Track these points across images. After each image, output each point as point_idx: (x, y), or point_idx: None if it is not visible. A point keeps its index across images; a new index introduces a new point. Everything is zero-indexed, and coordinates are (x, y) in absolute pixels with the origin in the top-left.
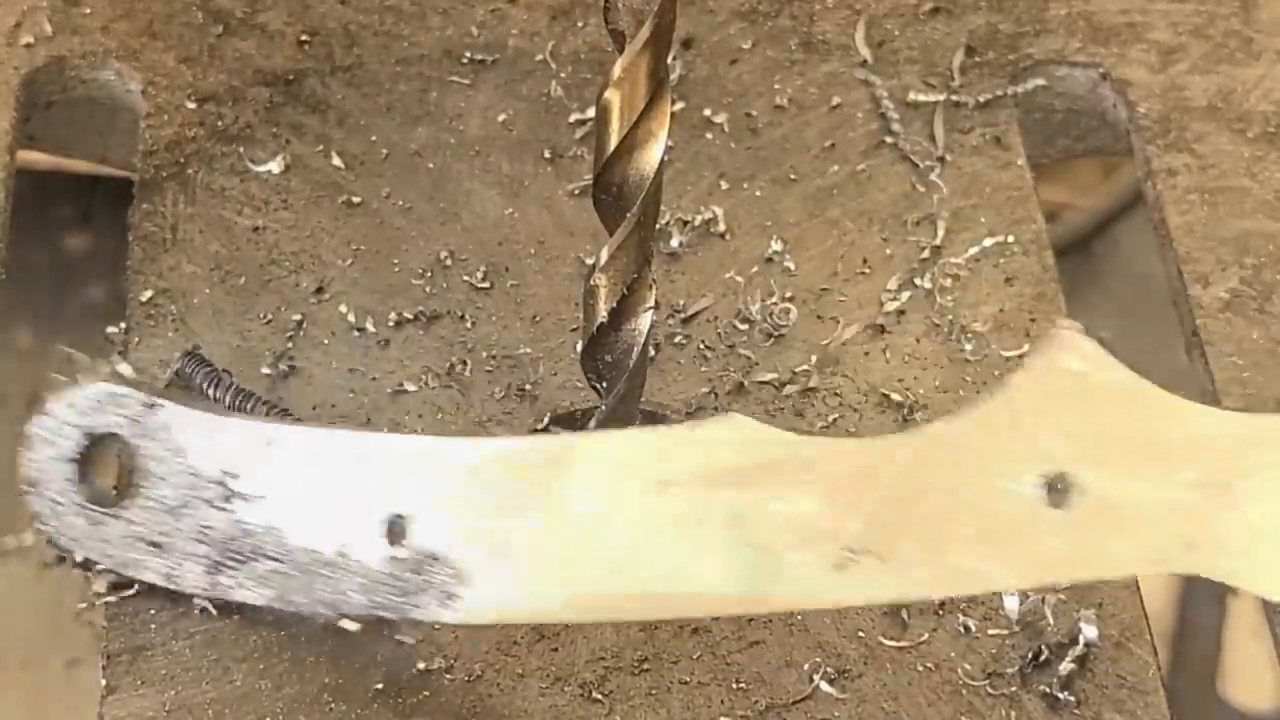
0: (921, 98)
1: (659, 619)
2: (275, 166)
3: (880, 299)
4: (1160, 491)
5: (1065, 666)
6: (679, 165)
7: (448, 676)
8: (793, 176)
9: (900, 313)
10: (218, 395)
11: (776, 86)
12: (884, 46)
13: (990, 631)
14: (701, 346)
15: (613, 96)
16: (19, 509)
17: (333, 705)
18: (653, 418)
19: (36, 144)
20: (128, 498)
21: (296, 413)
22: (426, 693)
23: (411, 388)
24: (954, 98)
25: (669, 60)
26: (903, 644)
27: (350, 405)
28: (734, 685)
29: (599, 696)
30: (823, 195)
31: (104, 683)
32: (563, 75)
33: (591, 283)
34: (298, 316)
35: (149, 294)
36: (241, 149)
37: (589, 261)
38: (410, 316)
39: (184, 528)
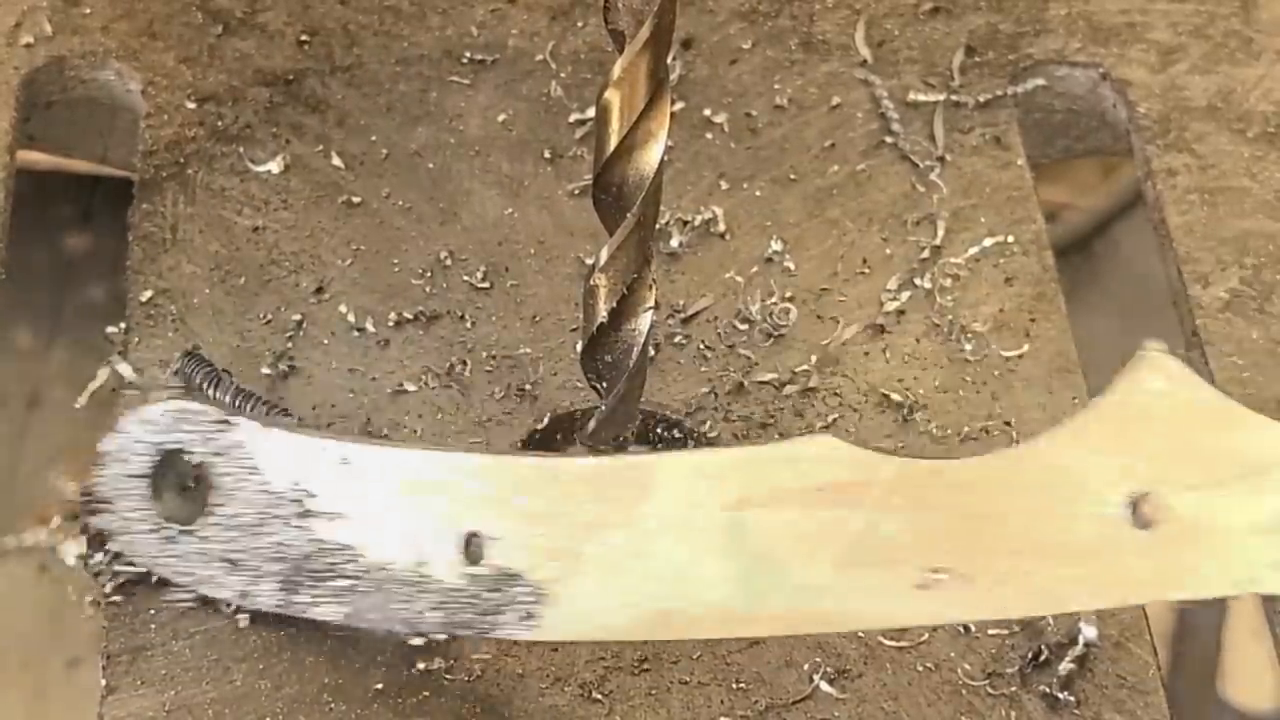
0: (921, 98)
1: (737, 636)
2: (275, 166)
3: (880, 299)
4: (1247, 511)
5: (1065, 666)
6: (679, 165)
7: (448, 676)
8: (793, 176)
9: (900, 313)
10: (217, 395)
11: (776, 86)
12: (884, 46)
13: (990, 631)
14: (701, 346)
15: (613, 96)
16: (19, 509)
17: (333, 705)
18: (652, 418)
19: (36, 144)
20: (201, 515)
21: (296, 413)
22: (426, 693)
23: (411, 388)
24: (954, 98)
25: (669, 60)
26: (903, 644)
27: (350, 405)
28: (734, 685)
29: (599, 696)
30: (823, 195)
31: (104, 683)
32: (563, 75)
33: (591, 283)
34: (298, 316)
35: (149, 294)
36: (241, 149)
37: (589, 261)
38: (410, 316)
39: (259, 545)
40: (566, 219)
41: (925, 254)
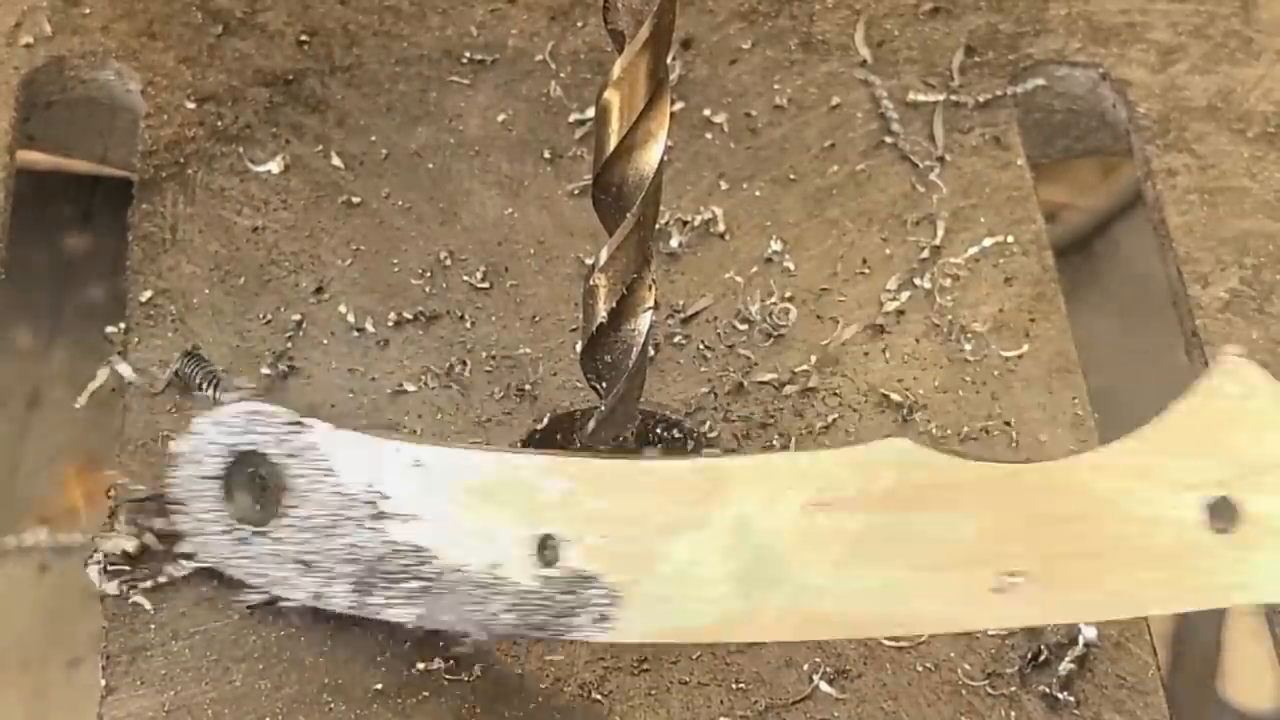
0: (921, 98)
1: (811, 639)
2: (275, 166)
3: (880, 299)
4: None
5: (1065, 666)
6: (679, 165)
7: (448, 676)
8: (792, 176)
9: (900, 313)
10: (217, 396)
11: (776, 86)
12: (884, 46)
13: (990, 631)
14: (701, 346)
15: (612, 96)
16: (19, 509)
17: (332, 705)
18: (652, 418)
19: (36, 144)
20: (275, 517)
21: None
22: (426, 693)
23: (411, 388)
24: (954, 98)
25: (669, 60)
26: (902, 644)
27: (350, 405)
28: (734, 685)
29: (599, 696)
30: (822, 195)
31: (104, 683)
32: (562, 75)
33: (591, 283)
34: (297, 316)
35: (149, 294)
36: (241, 149)
37: (589, 261)
38: (410, 316)
39: (332, 547)
40: (566, 219)
41: (925, 254)
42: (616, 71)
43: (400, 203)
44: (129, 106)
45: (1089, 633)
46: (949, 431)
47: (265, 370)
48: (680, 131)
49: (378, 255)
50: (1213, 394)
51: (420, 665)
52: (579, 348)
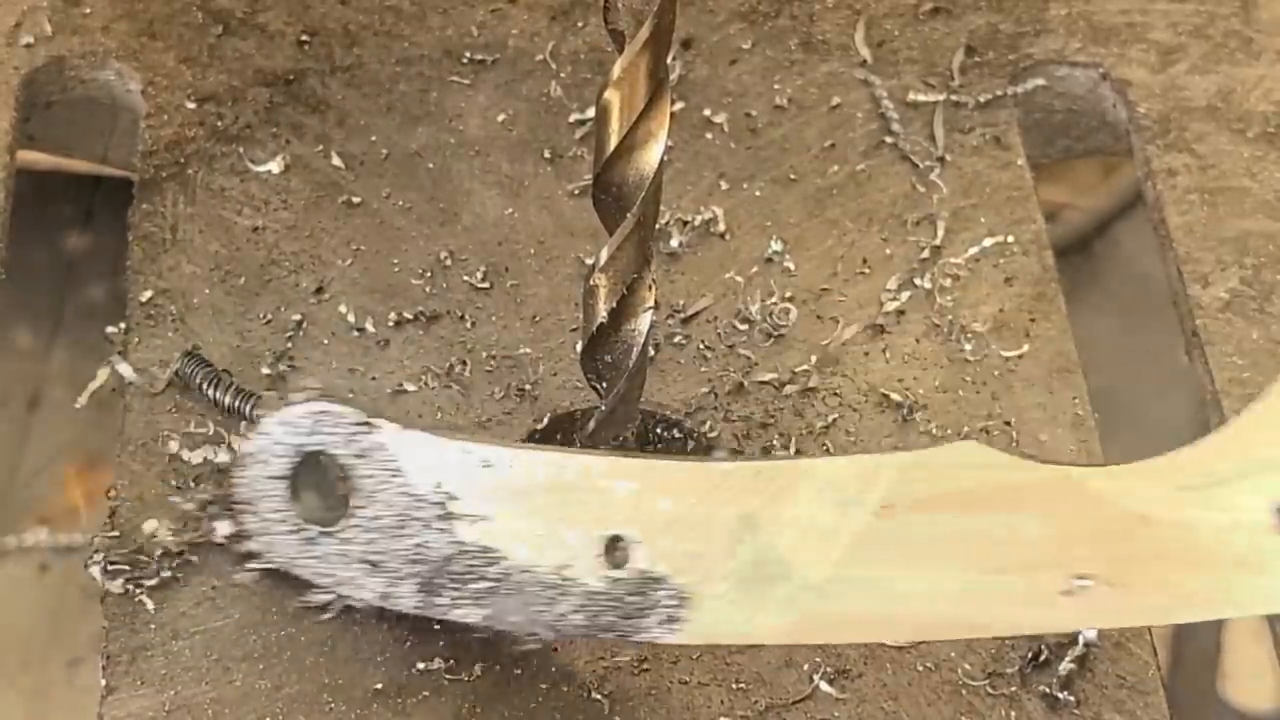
0: (921, 98)
1: (878, 641)
2: (275, 166)
3: (880, 299)
4: None
5: (1065, 666)
6: (679, 165)
7: (447, 676)
8: (793, 176)
9: (900, 313)
10: (217, 396)
11: (776, 86)
12: (884, 46)
13: None
14: (701, 346)
15: (612, 96)
16: (19, 509)
17: (332, 705)
18: (652, 418)
19: (36, 144)
20: (342, 517)
21: None
22: (426, 692)
23: (411, 388)
24: (954, 98)
25: (669, 60)
26: (902, 644)
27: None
28: (734, 685)
29: (599, 697)
30: (823, 195)
31: (104, 683)
32: (563, 75)
33: (591, 283)
34: (298, 316)
35: (149, 294)
36: (241, 149)
37: (589, 261)
38: (410, 316)
39: (400, 547)
40: (566, 219)
41: (925, 254)
42: (617, 71)
43: (400, 203)
44: (129, 106)
45: (1089, 633)
46: (949, 431)
47: (265, 370)
48: (680, 131)
49: (378, 255)
50: None
51: (420, 665)
52: (579, 348)
